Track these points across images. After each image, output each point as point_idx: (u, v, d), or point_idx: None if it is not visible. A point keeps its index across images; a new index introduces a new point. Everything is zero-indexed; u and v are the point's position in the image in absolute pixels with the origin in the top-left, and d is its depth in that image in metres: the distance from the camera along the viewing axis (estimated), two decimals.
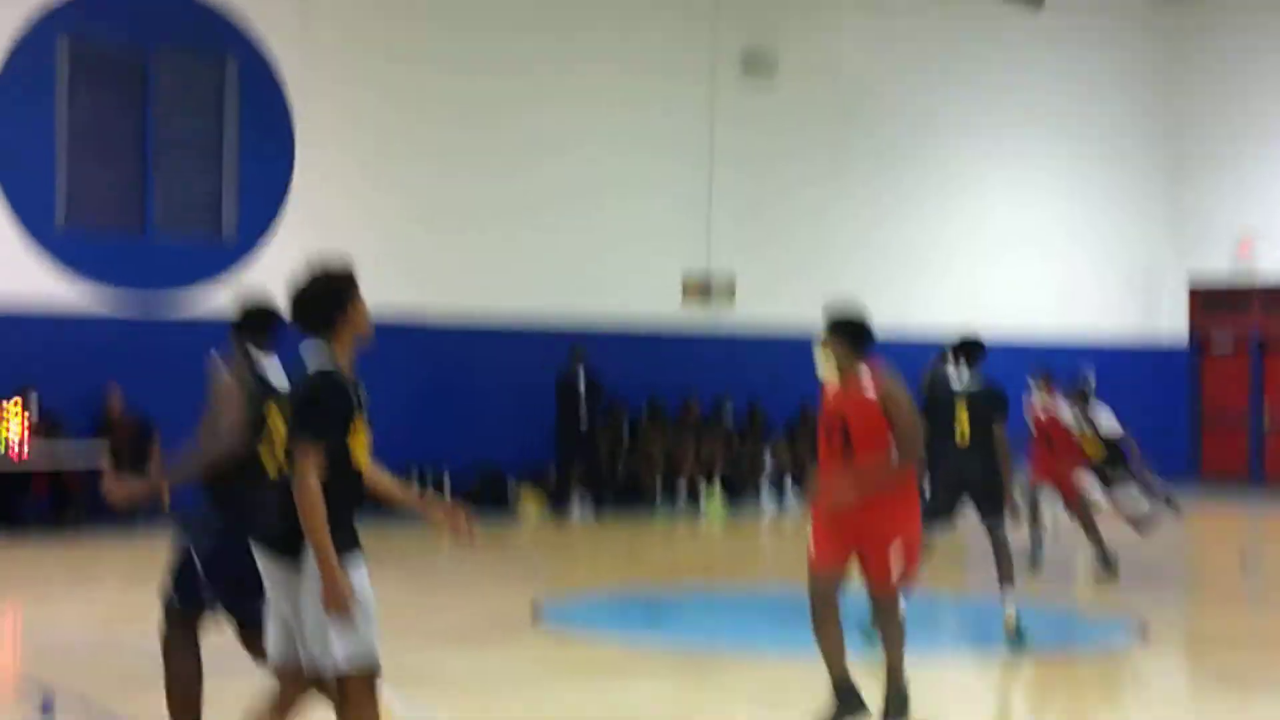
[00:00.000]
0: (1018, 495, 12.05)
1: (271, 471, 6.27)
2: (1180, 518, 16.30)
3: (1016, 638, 10.76)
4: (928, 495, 10.66)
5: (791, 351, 18.07)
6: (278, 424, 6.57)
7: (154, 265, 18.70)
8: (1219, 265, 26.56)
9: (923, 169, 24.78)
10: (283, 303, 6.10)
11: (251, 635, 6.89)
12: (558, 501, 20.28)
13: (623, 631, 11.63)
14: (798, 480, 21.52)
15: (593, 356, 20.54)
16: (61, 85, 18.40)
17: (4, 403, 17.13)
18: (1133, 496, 15.35)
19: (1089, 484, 14.99)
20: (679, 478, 21.43)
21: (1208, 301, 26.96)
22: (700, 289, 22.25)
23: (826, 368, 7.99)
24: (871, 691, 8.02)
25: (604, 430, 21.10)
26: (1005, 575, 11.06)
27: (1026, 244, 25.81)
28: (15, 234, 17.95)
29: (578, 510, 20.18)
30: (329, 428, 5.80)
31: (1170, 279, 27.12)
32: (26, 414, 17.20)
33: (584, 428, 20.55)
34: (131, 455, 17.19)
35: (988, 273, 25.27)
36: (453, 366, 20.46)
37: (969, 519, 11.45)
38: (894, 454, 7.80)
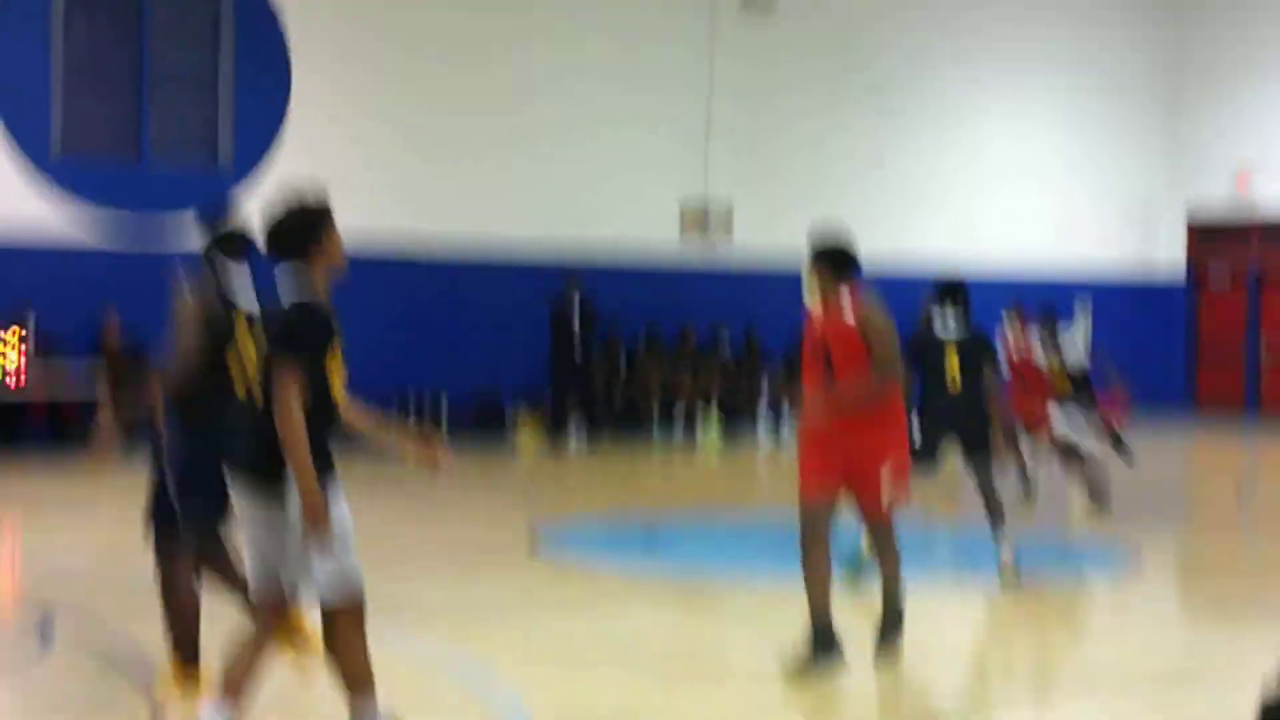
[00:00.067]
0: (1003, 439, 12.05)
1: (240, 393, 6.23)
2: (1132, 465, 16.24)
3: (1014, 578, 10.81)
4: (917, 441, 10.66)
5: (788, 281, 18.06)
6: (247, 346, 6.56)
7: (150, 194, 18.69)
8: (1216, 198, 26.52)
9: (920, 102, 24.70)
10: (259, 230, 6.10)
11: (212, 557, 6.92)
12: (554, 430, 20.34)
13: (618, 559, 11.69)
14: (793, 408, 21.58)
15: (589, 286, 20.55)
16: (57, 17, 18.36)
17: (1, 331, 17.16)
18: (1080, 428, 15.29)
19: (1060, 419, 14.93)
20: (676, 407, 21.49)
21: (1205, 236, 26.94)
22: (698, 221, 22.23)
23: (811, 293, 8.01)
24: (854, 633, 8.07)
25: (600, 359, 21.14)
26: (996, 518, 11.10)
27: (1024, 176, 25.76)
28: (12, 163, 17.95)
29: (574, 439, 20.25)
30: (310, 355, 5.81)
31: (1167, 211, 27.08)
32: (24, 342, 17.23)
33: (579, 357, 20.57)
34: (128, 381, 17.22)
35: (984, 205, 25.23)
36: (449, 296, 20.49)
37: (957, 461, 11.48)
38: (873, 377, 7.80)
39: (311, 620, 6.06)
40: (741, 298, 22.44)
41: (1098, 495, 14.55)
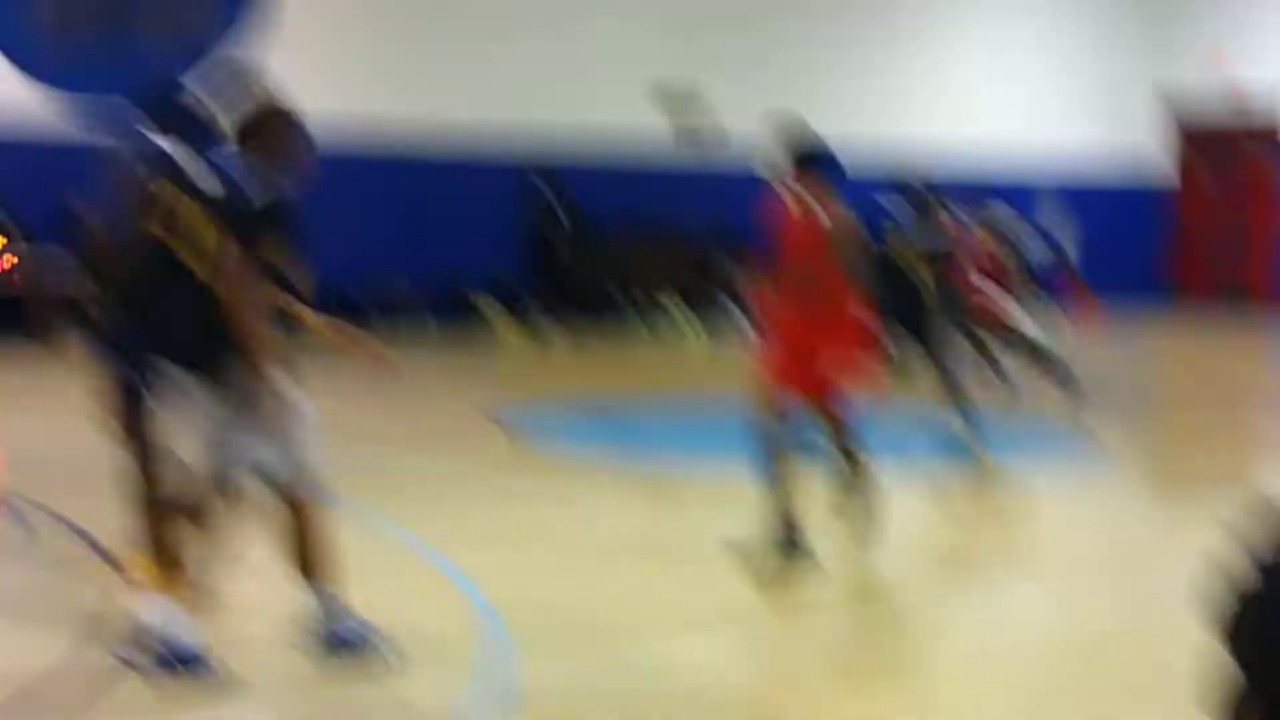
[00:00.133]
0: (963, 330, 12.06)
1: (194, 278, 6.03)
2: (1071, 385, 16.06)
3: (980, 457, 10.94)
4: (891, 351, 10.73)
5: (759, 173, 18.08)
6: (196, 223, 6.30)
7: (131, 78, 18.53)
8: (1189, 78, 26.38)
9: None
10: (221, 118, 6.08)
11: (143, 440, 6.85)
12: (528, 317, 20.38)
13: (581, 438, 11.79)
14: (751, 305, 21.61)
15: (565, 171, 20.50)
16: None
17: None
18: (1039, 323, 15.24)
19: (1018, 315, 14.85)
20: (649, 294, 21.52)
21: (1191, 137, 26.84)
22: (673, 105, 22.13)
23: (778, 191, 8.01)
24: (820, 525, 8.18)
25: (576, 246, 21.13)
26: (956, 405, 11.18)
27: (1002, 59, 25.62)
28: None
29: (548, 326, 20.28)
30: (271, 244, 5.80)
31: (1139, 91, 26.92)
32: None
33: (555, 243, 20.57)
34: (107, 268, 17.20)
35: (960, 89, 25.12)
36: (425, 182, 20.43)
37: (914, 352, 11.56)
38: (835, 279, 7.80)
39: (267, 504, 6.11)
40: (720, 188, 22.40)
41: (1067, 387, 14.64)
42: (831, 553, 8.05)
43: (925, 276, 11.11)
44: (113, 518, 7.09)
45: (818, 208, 7.88)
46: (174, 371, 5.98)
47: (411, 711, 5.62)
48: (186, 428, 6.06)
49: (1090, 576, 8.02)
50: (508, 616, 6.73)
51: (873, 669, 6.53)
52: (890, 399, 11.62)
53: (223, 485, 5.98)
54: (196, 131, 6.83)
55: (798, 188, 7.94)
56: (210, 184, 5.99)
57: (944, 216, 11.64)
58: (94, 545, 7.84)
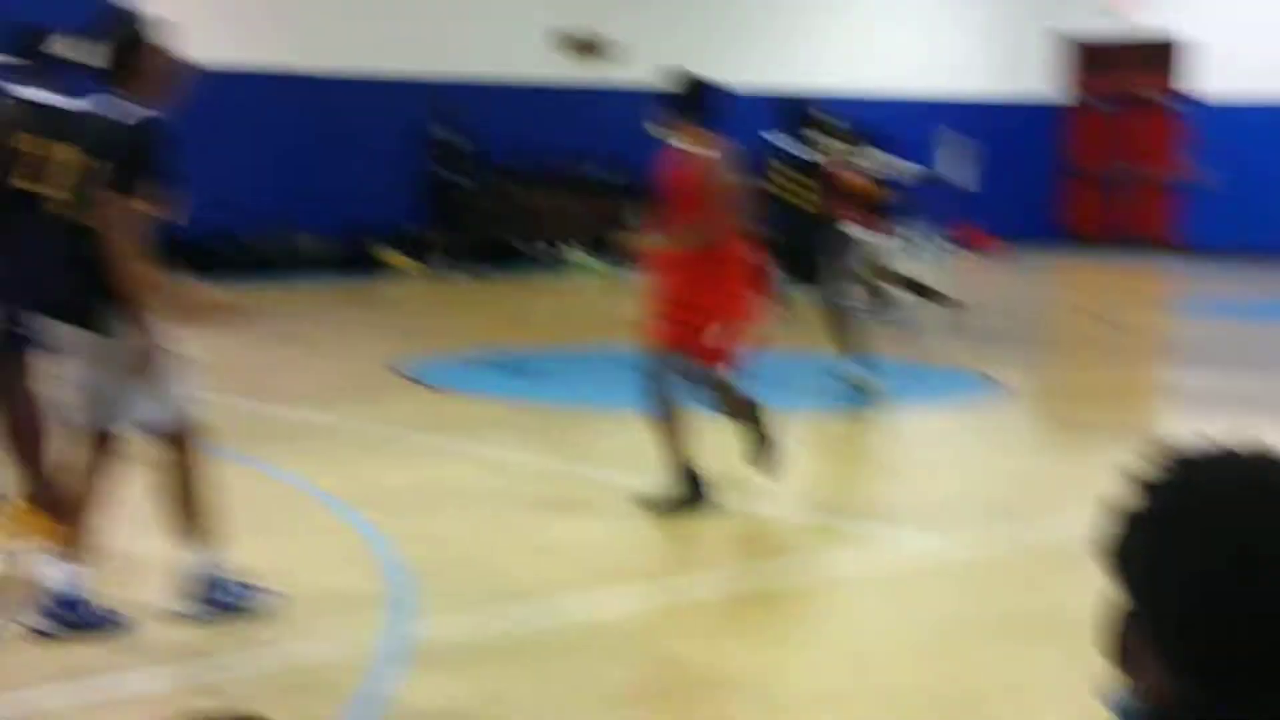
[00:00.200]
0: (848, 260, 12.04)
1: (57, 214, 5.85)
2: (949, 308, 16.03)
3: (862, 391, 11.01)
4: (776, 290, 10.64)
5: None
6: (68, 170, 5.93)
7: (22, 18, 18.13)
8: (1090, 20, 26.55)
9: None
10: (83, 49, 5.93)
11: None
12: (427, 261, 20.24)
13: (487, 388, 11.75)
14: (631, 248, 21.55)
15: (461, 112, 20.32)
16: None
17: None
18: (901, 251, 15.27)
19: (881, 245, 14.86)
20: (546, 236, 21.44)
21: (1077, 57, 27.02)
22: (569, 43, 22.02)
23: (663, 132, 7.95)
24: (722, 474, 8.22)
25: (473, 188, 20.99)
26: (845, 348, 11.20)
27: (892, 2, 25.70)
28: None
29: (447, 269, 20.17)
30: (151, 179, 5.67)
31: (1041, 35, 27.05)
32: None
33: (449, 184, 20.40)
34: None
35: (861, 28, 25.16)
36: (316, 123, 20.16)
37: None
38: (710, 224, 7.71)
39: (149, 457, 6.02)
40: (613, 126, 22.31)
41: (940, 300, 14.68)
42: (734, 502, 8.09)
43: (810, 200, 11.01)
44: None
45: (695, 151, 7.79)
46: (49, 323, 5.85)
47: (314, 669, 5.59)
48: (66, 380, 5.95)
49: (987, 521, 8.11)
50: (415, 571, 6.71)
51: (774, 620, 6.59)
52: (778, 344, 11.68)
53: (104, 439, 5.88)
54: (67, 75, 6.66)
55: (676, 133, 7.86)
56: (83, 127, 5.81)
57: (825, 143, 11.55)
58: None
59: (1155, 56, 25.90)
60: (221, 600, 5.97)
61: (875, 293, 15.07)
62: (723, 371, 7.93)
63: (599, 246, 21.50)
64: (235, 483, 8.34)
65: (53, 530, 6.02)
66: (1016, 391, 12.22)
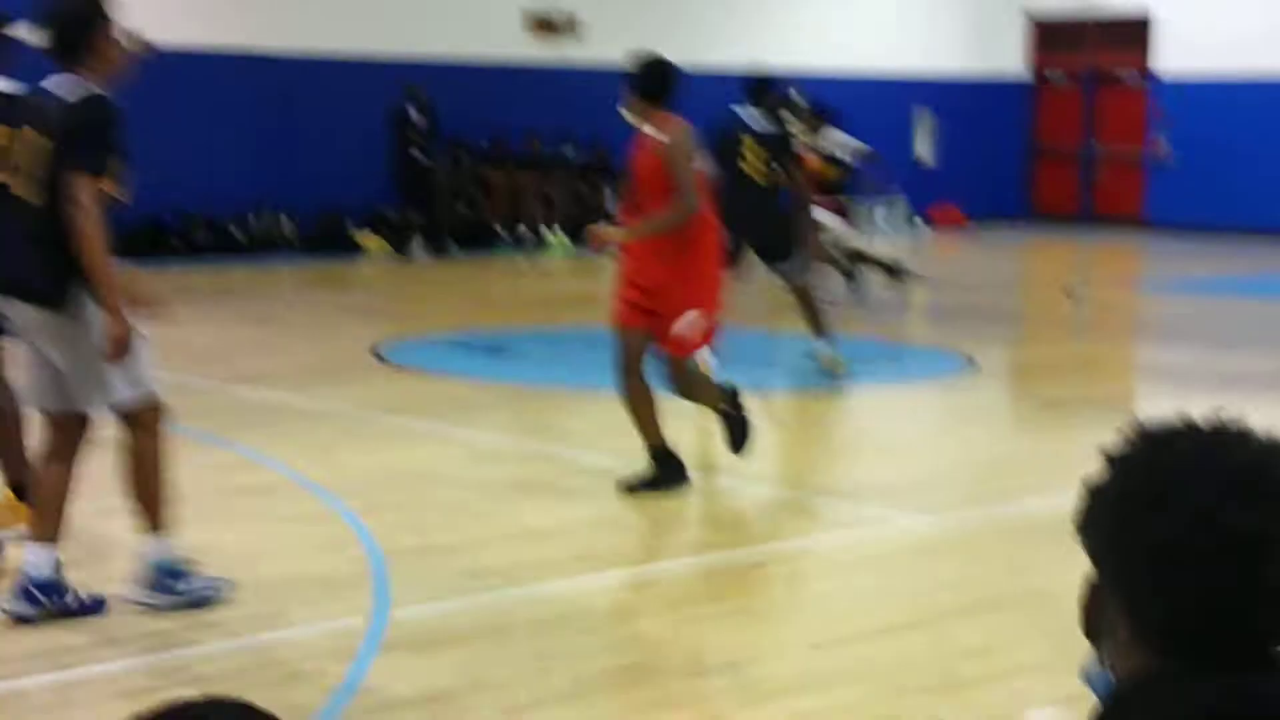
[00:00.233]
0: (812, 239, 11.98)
1: (33, 202, 5.72)
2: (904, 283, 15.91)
3: (836, 371, 11.01)
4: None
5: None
6: (31, 155, 5.78)
7: None
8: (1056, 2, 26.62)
9: None
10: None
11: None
12: (399, 243, 20.20)
13: (465, 370, 11.75)
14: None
15: (436, 94, 20.27)
16: None
17: None
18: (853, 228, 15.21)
19: (835, 223, 14.85)
20: (521, 218, 21.42)
21: (1045, 34, 27.08)
22: (543, 23, 21.98)
23: (628, 117, 7.90)
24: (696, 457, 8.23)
25: (445, 169, 20.96)
26: (815, 328, 11.20)
27: None
28: None
29: (419, 252, 20.14)
30: (110, 158, 5.61)
31: (1009, 13, 27.10)
32: None
33: (422, 166, 20.36)
34: None
35: (832, 7, 25.15)
36: (292, 106, 20.10)
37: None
38: (673, 210, 7.62)
39: (112, 440, 5.99)
40: (588, 103, 22.28)
41: (895, 273, 14.67)
42: (710, 483, 8.10)
43: (755, 163, 10.91)
44: None
45: (655, 133, 7.73)
46: (17, 305, 5.81)
47: (292, 654, 5.59)
48: (33, 363, 5.92)
49: (966, 499, 8.14)
50: (393, 555, 6.71)
51: (752, 600, 6.61)
52: (750, 322, 11.68)
53: (75, 421, 5.85)
54: (28, 58, 6.59)
55: (638, 116, 7.82)
56: (41, 109, 5.74)
57: (790, 123, 11.49)
58: None
59: (1123, 34, 25.94)
60: (176, 588, 5.90)
61: (845, 273, 15.11)
62: (693, 357, 7.89)
63: (577, 228, 21.50)
64: (211, 467, 8.36)
65: (31, 516, 6.00)
66: (992, 369, 12.26)
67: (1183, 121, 25.01)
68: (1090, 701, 1.72)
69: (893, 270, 15.32)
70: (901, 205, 24.93)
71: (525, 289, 18.36)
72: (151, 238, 18.37)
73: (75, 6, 5.77)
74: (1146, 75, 25.80)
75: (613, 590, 6.59)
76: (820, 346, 11.32)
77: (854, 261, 15.09)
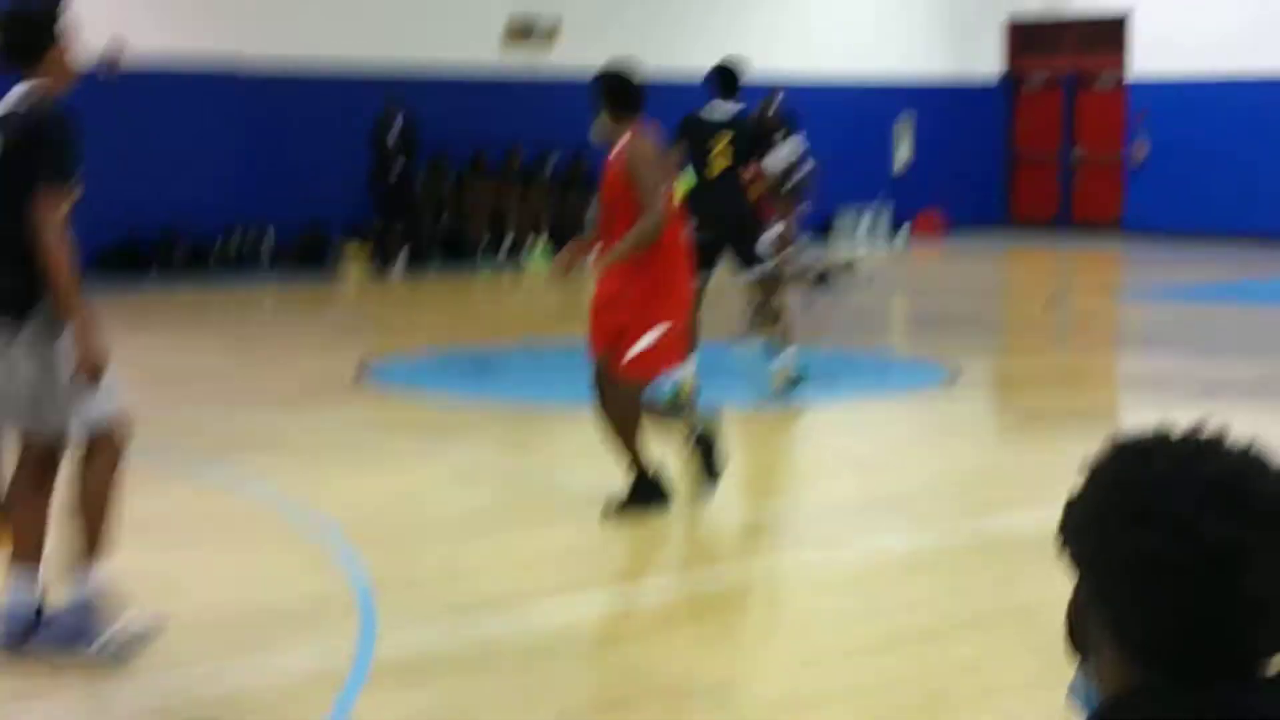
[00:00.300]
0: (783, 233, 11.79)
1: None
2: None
3: (789, 386, 10.92)
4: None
5: None
6: None
7: None
8: (1034, 3, 26.64)
9: None
10: None
11: None
12: (381, 259, 20.16)
13: (449, 390, 11.73)
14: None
15: (414, 107, 20.23)
16: None
17: None
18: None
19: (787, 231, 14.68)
20: (504, 232, 21.40)
21: (1021, 38, 27.09)
22: (522, 32, 21.98)
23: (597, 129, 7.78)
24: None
25: (426, 184, 20.93)
26: (773, 332, 11.07)
27: None
28: None
29: (401, 268, 20.11)
30: (74, 172, 5.51)
31: (986, 18, 27.11)
32: None
33: (401, 181, 20.30)
34: None
35: (810, 13, 25.18)
36: (271, 122, 20.07)
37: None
38: (638, 225, 7.44)
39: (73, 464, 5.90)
40: (568, 115, 22.25)
41: (846, 278, 14.40)
42: (694, 504, 8.09)
43: (721, 155, 10.75)
44: None
45: (621, 143, 7.61)
46: None
47: (280, 683, 5.57)
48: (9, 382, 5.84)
49: (951, 514, 8.14)
50: (379, 581, 6.69)
51: (736, 623, 6.60)
52: (726, 336, 11.62)
53: (48, 442, 5.72)
54: None
55: (607, 127, 7.69)
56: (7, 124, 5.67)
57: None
58: None
59: (1100, 35, 26.00)
60: (99, 629, 5.64)
61: (813, 283, 15.02)
62: (656, 378, 7.70)
63: (560, 241, 21.46)
64: (193, 492, 8.34)
65: (11, 541, 5.95)
66: (974, 380, 12.27)
67: (1160, 124, 25.07)
68: (1078, 718, 1.72)
69: (823, 277, 15.16)
70: (884, 213, 24.98)
71: (508, 305, 18.34)
72: (130, 257, 18.36)
73: (31, 13, 5.70)
74: (1124, 78, 25.84)
75: (597, 615, 6.58)
76: (782, 359, 11.09)
77: (806, 274, 14.96)
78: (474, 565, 7.08)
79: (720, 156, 10.65)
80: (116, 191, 18.24)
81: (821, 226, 24.49)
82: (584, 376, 7.86)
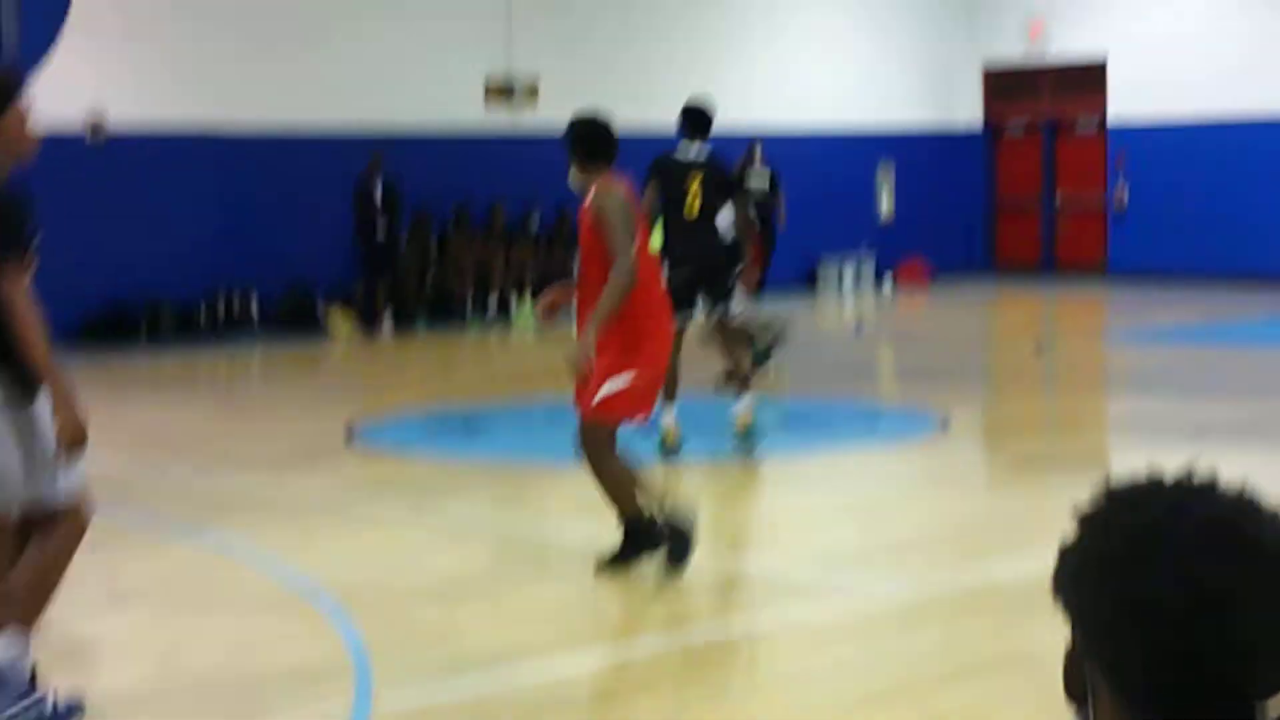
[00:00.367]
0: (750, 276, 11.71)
1: None
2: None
3: (747, 438, 10.84)
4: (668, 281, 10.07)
5: None
6: None
7: None
8: (1012, 50, 26.81)
9: None
10: None
11: None
12: (367, 320, 20.13)
13: (438, 449, 11.71)
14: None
15: (397, 166, 20.26)
16: None
17: None
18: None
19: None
20: (489, 289, 21.41)
21: (1000, 85, 27.23)
22: (503, 91, 22.06)
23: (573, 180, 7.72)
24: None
25: (410, 242, 20.94)
26: (741, 372, 11.00)
27: (824, 34, 25.86)
28: None
29: (387, 327, 20.09)
30: (28, 243, 5.46)
31: (965, 67, 27.28)
32: None
33: (384, 240, 20.29)
34: None
35: (789, 65, 25.31)
36: (253, 185, 20.07)
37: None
38: (613, 273, 7.34)
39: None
40: (551, 171, 22.27)
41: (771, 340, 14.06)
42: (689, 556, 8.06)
43: (695, 195, 10.73)
44: None
45: (591, 193, 7.54)
46: None
47: None
48: None
49: (944, 563, 8.12)
50: (373, 642, 6.65)
51: (731, 675, 6.58)
52: (694, 389, 11.57)
53: (25, 514, 5.60)
54: None
55: (579, 178, 7.63)
56: None
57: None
58: None
59: (1078, 80, 26.15)
60: (24, 701, 5.49)
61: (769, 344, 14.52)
62: (619, 422, 7.54)
63: (539, 296, 21.47)
64: (185, 557, 8.31)
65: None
66: (964, 428, 12.27)
67: (1142, 167, 25.20)
68: None
69: (763, 340, 14.78)
70: (868, 263, 25.04)
71: (495, 363, 18.33)
72: (117, 323, 18.33)
73: None
74: (1103, 122, 25.98)
75: (592, 672, 6.55)
76: (746, 406, 11.06)
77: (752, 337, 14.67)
78: (467, 624, 7.05)
79: (697, 197, 10.66)
80: (101, 258, 18.28)
81: (806, 277, 24.57)
82: (571, 433, 7.83)
